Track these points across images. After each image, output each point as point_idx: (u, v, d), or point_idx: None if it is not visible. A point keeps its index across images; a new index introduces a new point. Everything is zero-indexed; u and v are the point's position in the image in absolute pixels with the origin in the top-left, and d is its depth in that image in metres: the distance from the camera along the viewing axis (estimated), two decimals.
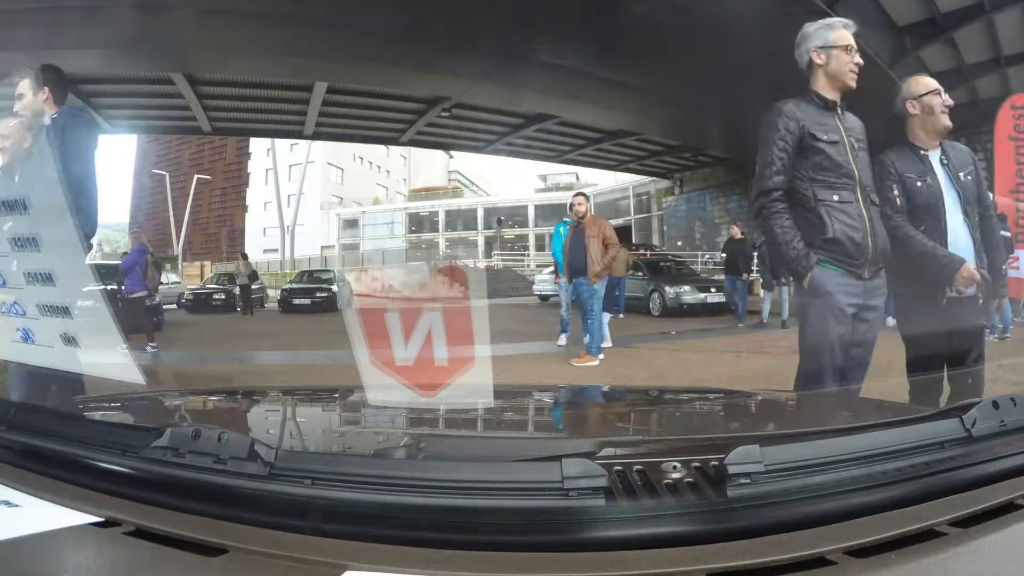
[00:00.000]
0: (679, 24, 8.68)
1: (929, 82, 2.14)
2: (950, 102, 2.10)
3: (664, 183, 21.73)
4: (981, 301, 2.06)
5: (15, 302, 1.32)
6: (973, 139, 8.07)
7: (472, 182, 35.78)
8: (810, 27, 2.02)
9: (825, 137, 1.88)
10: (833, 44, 1.96)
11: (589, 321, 5.35)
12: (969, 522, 0.54)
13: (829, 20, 2.03)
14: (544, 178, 31.63)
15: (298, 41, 10.11)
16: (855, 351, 1.91)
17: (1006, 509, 0.56)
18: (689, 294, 10.09)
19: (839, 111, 1.96)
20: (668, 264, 12.20)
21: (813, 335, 1.93)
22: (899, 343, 2.09)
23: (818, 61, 1.96)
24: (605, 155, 18.39)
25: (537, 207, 28.53)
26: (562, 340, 6.41)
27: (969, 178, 2.10)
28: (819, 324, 1.89)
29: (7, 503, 0.61)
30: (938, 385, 2.00)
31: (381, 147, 27.78)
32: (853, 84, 1.95)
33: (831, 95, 1.95)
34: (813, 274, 1.85)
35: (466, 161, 34.35)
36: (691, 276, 11.63)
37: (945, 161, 2.08)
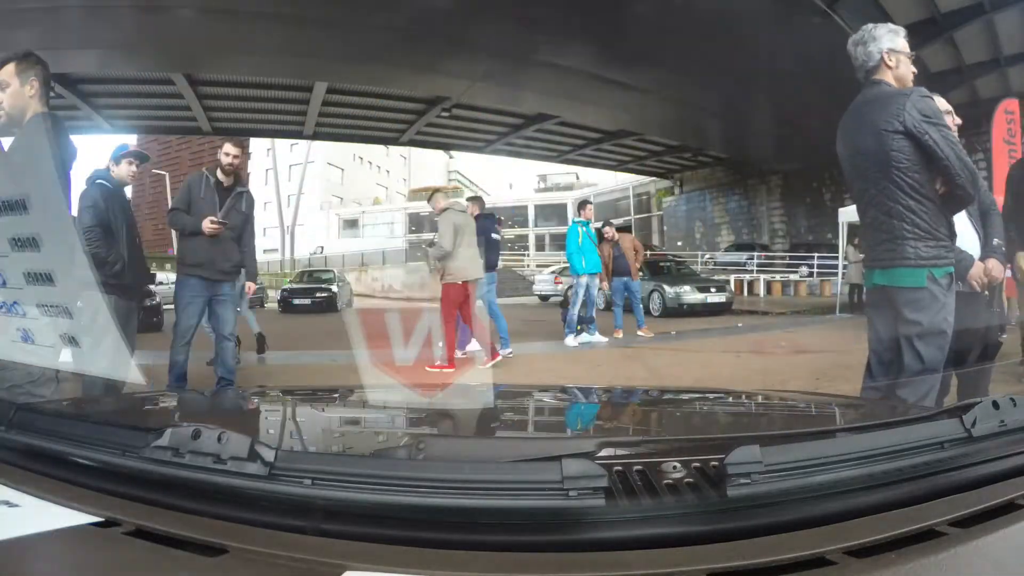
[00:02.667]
0: (679, 24, 8.68)
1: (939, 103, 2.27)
2: (958, 121, 2.22)
3: (664, 183, 21.72)
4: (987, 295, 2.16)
5: (15, 302, 1.32)
6: (973, 139, 8.08)
7: (472, 182, 35.80)
8: (878, 29, 2.07)
9: None
10: (901, 50, 2.04)
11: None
12: (969, 522, 0.54)
13: (894, 26, 2.10)
14: (544, 178, 31.65)
15: (298, 41, 10.12)
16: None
17: (1006, 509, 0.56)
18: (689, 294, 10.09)
19: None
20: (668, 264, 12.20)
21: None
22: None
23: (889, 63, 2.02)
24: (605, 155, 18.40)
25: (537, 207, 28.54)
26: (571, 340, 6.35)
27: None
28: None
29: (7, 503, 0.61)
30: (946, 382, 2.05)
31: (381, 147, 27.78)
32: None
33: None
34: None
35: (466, 161, 34.35)
36: (691, 276, 11.63)
37: None
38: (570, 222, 7.19)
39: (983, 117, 8.08)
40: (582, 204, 7.12)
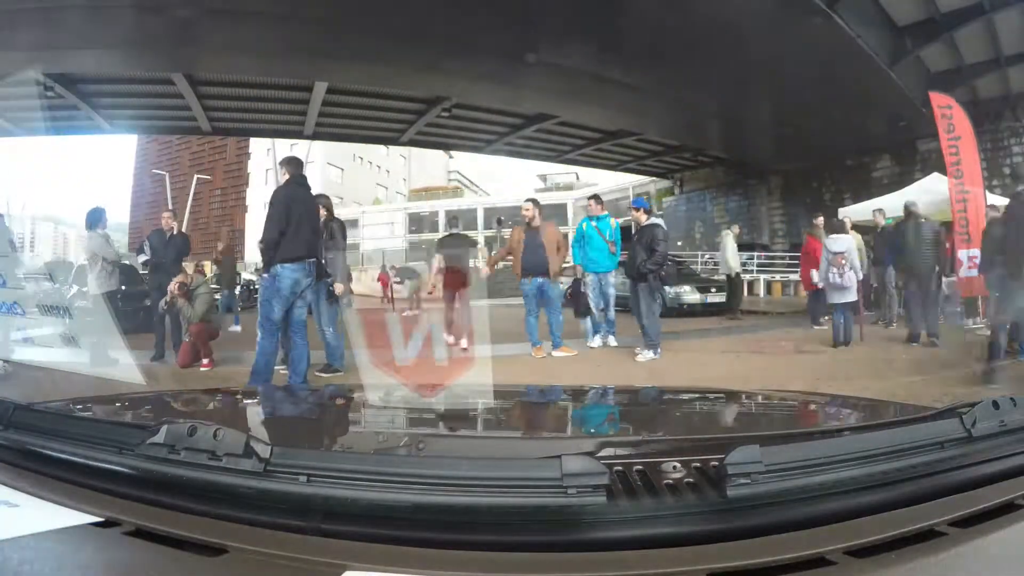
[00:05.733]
0: (680, 24, 8.67)
1: None
2: None
3: (664, 183, 21.69)
4: None
5: (15, 302, 1.32)
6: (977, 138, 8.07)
7: (472, 182, 35.74)
8: None
9: None
10: None
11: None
12: (969, 522, 0.54)
13: None
14: (544, 178, 31.57)
15: (298, 41, 10.10)
16: None
17: (1006, 509, 0.56)
18: (689, 294, 10.08)
19: None
20: (668, 264, 12.14)
21: None
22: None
23: None
24: (605, 155, 18.37)
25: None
26: (595, 341, 6.24)
27: None
28: None
29: (7, 503, 0.61)
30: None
31: (381, 147, 27.74)
32: None
33: None
34: None
35: (466, 161, 34.32)
36: (691, 276, 11.61)
37: None
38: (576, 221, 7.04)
39: (983, 117, 8.07)
40: (591, 199, 6.83)
